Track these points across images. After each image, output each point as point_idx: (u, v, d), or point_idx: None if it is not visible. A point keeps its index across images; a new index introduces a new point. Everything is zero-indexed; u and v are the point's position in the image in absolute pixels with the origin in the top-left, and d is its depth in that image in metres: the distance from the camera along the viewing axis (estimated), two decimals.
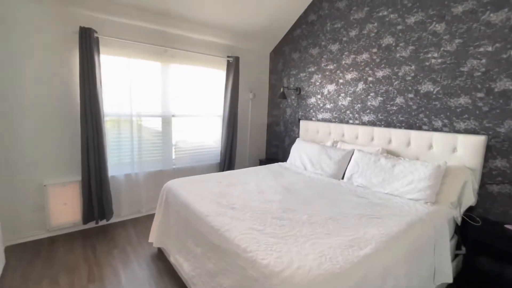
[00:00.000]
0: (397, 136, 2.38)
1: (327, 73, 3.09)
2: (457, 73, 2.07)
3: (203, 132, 3.45)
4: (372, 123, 2.67)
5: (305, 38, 3.35)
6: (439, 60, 2.16)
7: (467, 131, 2.04)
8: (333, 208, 1.79)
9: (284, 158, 3.76)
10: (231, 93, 3.39)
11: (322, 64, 3.15)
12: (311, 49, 3.28)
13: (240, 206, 1.76)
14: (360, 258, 1.21)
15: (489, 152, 1.93)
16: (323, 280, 1.07)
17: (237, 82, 3.44)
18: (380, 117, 2.60)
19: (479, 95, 1.97)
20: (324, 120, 3.17)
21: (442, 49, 2.14)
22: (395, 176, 2.11)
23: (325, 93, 3.14)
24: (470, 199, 1.92)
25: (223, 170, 3.54)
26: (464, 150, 1.98)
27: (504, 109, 1.87)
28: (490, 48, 1.90)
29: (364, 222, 1.58)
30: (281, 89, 3.44)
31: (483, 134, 1.95)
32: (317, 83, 3.23)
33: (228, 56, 3.38)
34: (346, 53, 2.87)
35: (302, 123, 3.34)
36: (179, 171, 3.23)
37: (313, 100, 3.30)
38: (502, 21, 1.84)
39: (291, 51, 3.56)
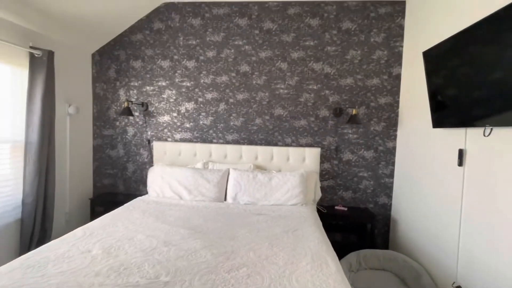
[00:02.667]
0: (263, 152, 2.73)
1: (184, 90, 2.88)
2: (297, 102, 2.77)
3: None
4: (236, 142, 2.85)
5: (150, 47, 2.89)
6: (285, 91, 2.77)
7: (307, 145, 2.78)
8: (255, 235, 1.72)
9: (128, 190, 2.99)
10: (43, 106, 2.17)
11: (177, 80, 2.88)
12: (160, 61, 2.89)
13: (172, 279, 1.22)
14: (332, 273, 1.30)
15: (321, 158, 2.76)
16: None
17: (52, 90, 2.27)
18: (243, 136, 2.85)
19: (311, 119, 2.77)
20: (183, 140, 2.91)
21: (286, 82, 2.77)
22: (274, 188, 2.42)
23: (182, 111, 2.90)
24: (319, 194, 2.63)
25: (32, 230, 2.17)
26: (309, 159, 2.69)
27: (325, 129, 2.76)
28: (315, 87, 2.74)
29: (293, 237, 1.68)
30: (125, 104, 2.72)
31: (317, 146, 2.76)
32: (172, 100, 2.90)
33: (32, 47, 2.14)
34: (204, 72, 2.85)
35: (156, 144, 2.85)
36: None
37: (167, 118, 2.92)
38: (320, 70, 2.72)
39: (130, 57, 2.92)
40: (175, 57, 2.87)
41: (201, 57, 2.84)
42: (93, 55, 2.97)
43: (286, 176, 2.46)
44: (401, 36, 2.63)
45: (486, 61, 1.48)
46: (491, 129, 1.50)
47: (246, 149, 2.75)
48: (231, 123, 2.85)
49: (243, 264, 1.34)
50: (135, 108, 2.94)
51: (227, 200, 2.45)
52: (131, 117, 2.96)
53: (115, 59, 2.95)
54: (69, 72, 2.65)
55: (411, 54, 2.49)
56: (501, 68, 1.39)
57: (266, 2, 2.73)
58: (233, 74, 2.81)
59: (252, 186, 2.42)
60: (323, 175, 2.79)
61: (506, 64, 1.35)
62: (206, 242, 1.56)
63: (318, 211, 2.51)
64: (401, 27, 2.62)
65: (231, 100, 2.83)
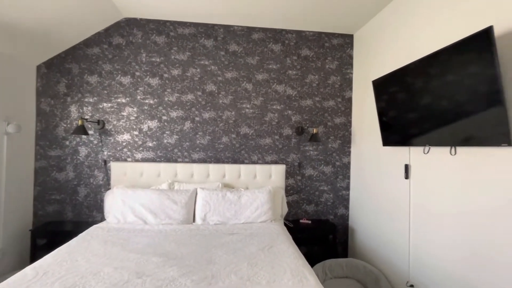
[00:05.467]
0: (230, 170, 2.75)
1: (146, 107, 2.76)
2: (263, 121, 2.89)
3: None
4: (202, 160, 2.82)
5: (108, 62, 2.73)
6: (251, 110, 2.88)
7: (272, 162, 2.90)
8: (232, 256, 1.72)
9: (79, 217, 2.68)
10: None
11: (138, 97, 2.76)
12: (120, 77, 2.74)
13: None
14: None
15: (286, 174, 2.90)
16: None
17: None
18: (210, 154, 2.84)
19: (276, 137, 2.91)
20: (146, 160, 2.76)
21: (252, 102, 2.88)
22: (243, 206, 2.44)
23: (144, 130, 2.76)
24: (285, 209, 2.73)
25: None
26: (275, 175, 2.80)
27: (288, 146, 2.93)
28: (278, 107, 2.91)
29: (270, 254, 1.72)
30: (79, 121, 2.48)
31: (282, 163, 2.89)
32: (132, 118, 2.75)
33: None
34: (169, 90, 2.79)
35: (115, 165, 2.64)
36: None
37: (127, 136, 2.75)
38: (283, 91, 2.91)
39: (85, 72, 2.71)
40: (137, 73, 2.76)
41: (166, 75, 2.79)
42: (38, 67, 2.66)
43: (255, 193, 2.51)
44: (350, 64, 3.00)
45: (418, 90, 1.81)
46: (429, 148, 1.81)
47: (213, 168, 2.73)
48: (198, 142, 2.82)
49: None
50: (90, 126, 2.70)
51: (196, 221, 2.38)
52: (84, 136, 2.70)
53: (66, 72, 2.69)
54: (8, 85, 2.33)
55: (359, 80, 2.85)
56: (429, 94, 1.71)
57: (231, 26, 2.85)
58: (199, 93, 2.82)
59: (221, 205, 2.41)
60: (288, 190, 2.92)
61: (432, 92, 1.68)
62: (183, 268, 1.51)
63: (285, 225, 2.60)
64: (351, 57, 3.00)
65: (197, 119, 2.82)
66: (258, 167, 2.78)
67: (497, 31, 1.31)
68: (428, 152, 1.83)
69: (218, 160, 2.84)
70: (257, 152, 2.89)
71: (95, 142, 2.72)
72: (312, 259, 2.47)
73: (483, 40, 1.29)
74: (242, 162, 2.86)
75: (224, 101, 2.85)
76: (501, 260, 1.35)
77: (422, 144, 1.81)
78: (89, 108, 2.71)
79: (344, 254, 2.99)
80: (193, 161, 2.81)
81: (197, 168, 2.71)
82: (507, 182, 1.33)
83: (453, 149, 1.63)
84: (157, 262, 1.57)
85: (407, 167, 2.03)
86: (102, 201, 2.67)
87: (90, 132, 2.70)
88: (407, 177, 2.04)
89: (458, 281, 1.58)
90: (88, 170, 2.71)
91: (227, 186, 2.71)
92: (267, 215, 2.43)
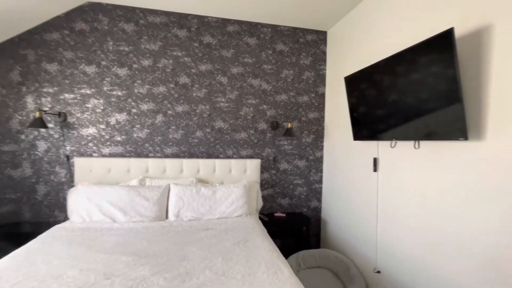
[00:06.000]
0: (205, 165, 2.69)
1: (114, 99, 2.60)
2: (238, 115, 2.87)
3: None
4: (176, 155, 2.73)
5: (70, 49, 2.51)
6: (226, 104, 2.83)
7: (248, 157, 2.89)
8: (207, 251, 1.69)
9: (38, 217, 2.48)
10: None
11: (105, 88, 2.58)
12: (84, 66, 2.54)
13: None
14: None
15: (261, 169, 2.91)
16: None
17: None
18: (183, 149, 2.75)
19: (251, 131, 2.90)
20: (114, 155, 2.60)
21: (227, 96, 2.83)
22: (218, 201, 2.41)
23: (112, 123, 2.60)
24: (260, 203, 2.74)
25: None
26: (251, 170, 2.80)
27: (263, 141, 2.94)
28: (254, 101, 2.90)
29: (245, 248, 1.72)
30: (37, 113, 2.27)
31: (257, 157, 2.89)
32: (99, 110, 2.58)
33: None
34: (138, 81, 2.64)
35: (79, 161, 2.46)
36: None
37: (92, 130, 2.57)
38: (258, 85, 2.90)
39: (42, 59, 2.47)
40: (103, 62, 2.58)
41: (135, 65, 2.64)
42: None
43: (230, 188, 2.49)
44: (324, 60, 3.06)
45: (386, 87, 1.90)
46: (396, 142, 1.92)
47: (187, 163, 2.66)
48: (170, 136, 2.72)
49: (201, 284, 1.30)
50: (49, 118, 2.48)
51: (168, 218, 2.31)
52: (43, 130, 2.48)
53: (20, 59, 2.44)
54: None
55: (332, 77, 2.93)
56: (395, 92, 1.81)
57: (205, 17, 2.76)
58: (172, 85, 2.71)
59: (196, 200, 2.36)
60: (263, 184, 2.94)
61: (398, 90, 1.77)
62: (156, 267, 1.45)
63: (260, 219, 2.62)
64: (324, 53, 3.06)
65: (169, 112, 2.71)
66: (233, 162, 2.76)
67: (459, 32, 1.40)
68: (394, 146, 1.93)
69: (192, 155, 2.77)
70: (232, 147, 2.86)
71: (56, 136, 2.51)
72: (287, 251, 2.52)
73: (444, 41, 1.38)
74: (217, 157, 2.82)
75: (198, 94, 2.77)
76: (447, 242, 1.48)
77: (389, 138, 1.91)
78: (48, 99, 2.49)
79: (317, 245, 3.09)
80: (166, 156, 2.71)
81: (170, 163, 2.62)
82: (463, 172, 1.45)
83: (417, 143, 1.74)
84: (126, 262, 1.50)
85: (375, 161, 2.14)
86: (65, 199, 2.49)
87: (50, 125, 2.48)
88: (375, 170, 2.14)
89: (417, 264, 1.71)
90: (48, 166, 2.50)
91: (202, 181, 2.65)
92: (242, 209, 2.42)
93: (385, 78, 1.87)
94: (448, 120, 1.44)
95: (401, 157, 1.89)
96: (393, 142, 1.93)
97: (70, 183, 2.51)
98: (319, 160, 3.08)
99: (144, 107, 2.66)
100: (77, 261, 1.49)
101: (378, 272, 2.07)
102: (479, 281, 1.36)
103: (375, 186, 2.15)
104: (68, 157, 2.52)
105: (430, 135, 1.56)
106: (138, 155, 2.66)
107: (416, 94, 1.63)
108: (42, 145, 2.49)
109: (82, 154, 2.55)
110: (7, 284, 1.24)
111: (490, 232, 1.31)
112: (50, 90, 2.49)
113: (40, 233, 1.90)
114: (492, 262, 1.30)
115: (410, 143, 1.79)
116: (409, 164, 1.82)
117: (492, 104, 1.31)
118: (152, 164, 2.59)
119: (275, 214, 2.87)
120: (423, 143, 1.70)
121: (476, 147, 1.38)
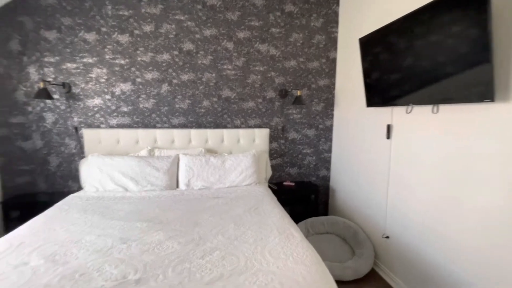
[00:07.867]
0: (213, 135, 2.67)
1: (117, 68, 2.52)
2: (245, 83, 2.76)
3: None
4: (183, 126, 2.70)
5: (68, 15, 2.39)
6: (233, 72, 2.72)
7: (256, 126, 2.84)
8: (219, 218, 1.72)
9: (53, 188, 2.55)
10: None
11: (107, 56, 2.49)
12: (83, 33, 2.43)
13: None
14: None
15: (270, 138, 2.87)
16: None
17: None
18: (191, 119, 2.71)
19: (259, 100, 2.82)
20: (122, 126, 2.59)
21: (233, 63, 2.71)
22: (228, 170, 2.42)
23: (117, 93, 2.55)
24: (269, 173, 2.75)
25: None
26: (259, 139, 2.76)
27: (272, 110, 2.86)
28: (261, 68, 2.77)
29: (256, 215, 1.74)
30: (41, 84, 2.23)
31: (265, 127, 2.84)
32: (102, 80, 2.51)
33: None
34: (141, 49, 2.53)
35: (87, 132, 2.46)
36: None
37: (98, 101, 2.53)
38: (266, 51, 2.75)
39: (40, 26, 2.36)
40: (103, 29, 2.46)
41: (136, 31, 2.51)
42: None
43: (239, 157, 2.48)
44: (336, 22, 2.86)
45: (401, 50, 1.76)
46: (412, 107, 1.83)
47: (195, 133, 2.63)
48: (177, 106, 2.67)
49: (214, 248, 1.33)
50: (54, 89, 2.44)
51: (179, 187, 2.35)
52: (49, 101, 2.45)
53: (17, 27, 2.34)
54: None
55: (344, 40, 2.75)
56: (412, 55, 1.68)
57: None
58: (176, 53, 2.59)
59: (205, 170, 2.37)
60: (272, 154, 2.92)
61: (415, 52, 1.64)
62: (170, 232, 1.49)
63: (270, 188, 2.64)
64: (336, 14, 2.85)
65: (174, 81, 2.63)
66: (241, 132, 2.72)
67: None
68: (410, 111, 1.85)
69: (199, 125, 2.73)
70: (240, 116, 2.80)
71: (63, 107, 2.49)
72: (295, 219, 2.53)
73: None
74: (225, 127, 2.78)
75: (204, 61, 2.65)
76: (462, 212, 1.46)
77: (405, 103, 1.81)
78: (51, 69, 2.43)
79: (325, 213, 3.14)
80: (173, 127, 2.68)
81: (178, 134, 2.60)
82: (487, 135, 1.38)
83: (435, 107, 1.65)
84: (141, 228, 1.54)
85: (389, 127, 2.06)
86: (77, 170, 2.53)
87: (55, 96, 2.45)
88: (388, 137, 2.08)
89: (427, 231, 1.71)
90: (58, 138, 2.51)
91: (210, 152, 2.65)
92: (251, 178, 2.43)
93: (406, 37, 1.73)
94: (472, 82, 1.33)
95: (417, 122, 1.81)
96: (409, 108, 1.84)
97: (81, 154, 2.54)
98: (329, 129, 3.01)
99: (149, 76, 2.58)
100: (93, 228, 1.53)
101: (387, 237, 2.10)
102: (498, 256, 1.34)
103: (387, 153, 2.10)
104: (76, 129, 2.52)
105: (451, 99, 1.47)
106: (146, 125, 2.64)
107: (439, 54, 1.51)
108: (49, 117, 2.48)
109: (90, 125, 2.54)
110: (30, 248, 1.29)
111: None
112: (52, 60, 2.42)
113: (56, 202, 1.95)
114: None
115: (428, 108, 1.70)
116: (425, 129, 1.74)
117: None
118: (160, 134, 2.57)
119: (284, 183, 2.89)
120: (442, 107, 1.61)
121: (503, 108, 1.29)
